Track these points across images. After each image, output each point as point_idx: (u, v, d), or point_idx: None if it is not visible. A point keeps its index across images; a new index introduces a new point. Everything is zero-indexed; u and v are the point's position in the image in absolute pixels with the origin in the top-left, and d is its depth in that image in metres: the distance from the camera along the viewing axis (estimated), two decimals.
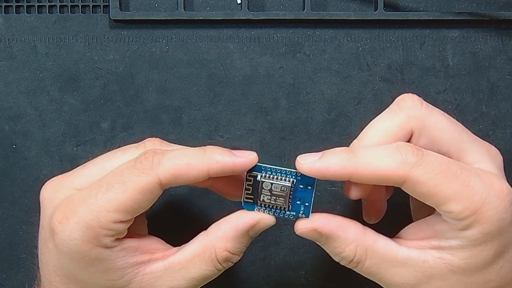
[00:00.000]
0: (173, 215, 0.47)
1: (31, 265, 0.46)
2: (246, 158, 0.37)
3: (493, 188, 0.36)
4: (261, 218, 0.38)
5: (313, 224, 0.37)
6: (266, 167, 0.38)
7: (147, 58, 0.47)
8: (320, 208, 0.38)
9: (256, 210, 0.38)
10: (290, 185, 0.37)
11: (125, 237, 0.37)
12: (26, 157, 0.47)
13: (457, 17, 0.47)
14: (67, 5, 0.47)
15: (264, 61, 0.47)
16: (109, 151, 0.40)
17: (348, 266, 0.38)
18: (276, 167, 0.38)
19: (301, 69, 0.47)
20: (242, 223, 0.37)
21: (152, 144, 0.39)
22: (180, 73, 0.47)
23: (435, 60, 0.47)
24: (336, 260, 0.38)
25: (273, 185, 0.37)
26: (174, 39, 0.47)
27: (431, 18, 0.47)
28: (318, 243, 0.38)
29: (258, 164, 0.37)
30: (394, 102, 0.40)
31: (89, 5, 0.47)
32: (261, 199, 0.38)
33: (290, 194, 0.38)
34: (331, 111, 0.47)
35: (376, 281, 0.38)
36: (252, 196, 0.38)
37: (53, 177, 0.40)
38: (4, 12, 0.47)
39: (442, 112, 0.39)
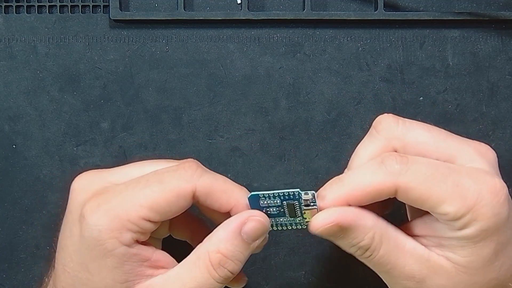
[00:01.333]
0: None
1: (31, 265, 0.46)
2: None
3: (485, 184, 0.36)
4: (251, 214, 0.37)
5: (333, 218, 0.37)
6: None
7: (147, 58, 0.47)
8: None
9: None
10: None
11: (143, 243, 0.38)
12: (26, 157, 0.47)
13: (457, 17, 0.47)
14: (67, 5, 0.47)
15: (264, 61, 0.47)
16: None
17: (362, 257, 0.37)
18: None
19: (301, 69, 0.47)
20: (232, 221, 0.38)
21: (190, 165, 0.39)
22: (180, 73, 0.47)
23: (435, 60, 0.47)
24: (350, 252, 0.38)
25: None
26: (174, 39, 0.47)
27: (431, 18, 0.47)
28: (333, 239, 0.37)
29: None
30: (372, 126, 0.39)
31: (89, 5, 0.47)
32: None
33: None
34: (331, 111, 0.47)
35: (385, 273, 0.38)
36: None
37: (86, 171, 0.40)
38: (4, 12, 0.47)
39: (421, 123, 0.39)
